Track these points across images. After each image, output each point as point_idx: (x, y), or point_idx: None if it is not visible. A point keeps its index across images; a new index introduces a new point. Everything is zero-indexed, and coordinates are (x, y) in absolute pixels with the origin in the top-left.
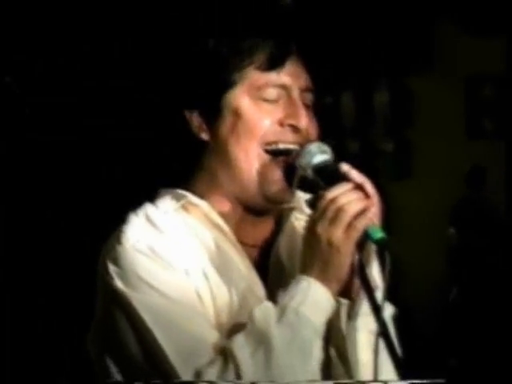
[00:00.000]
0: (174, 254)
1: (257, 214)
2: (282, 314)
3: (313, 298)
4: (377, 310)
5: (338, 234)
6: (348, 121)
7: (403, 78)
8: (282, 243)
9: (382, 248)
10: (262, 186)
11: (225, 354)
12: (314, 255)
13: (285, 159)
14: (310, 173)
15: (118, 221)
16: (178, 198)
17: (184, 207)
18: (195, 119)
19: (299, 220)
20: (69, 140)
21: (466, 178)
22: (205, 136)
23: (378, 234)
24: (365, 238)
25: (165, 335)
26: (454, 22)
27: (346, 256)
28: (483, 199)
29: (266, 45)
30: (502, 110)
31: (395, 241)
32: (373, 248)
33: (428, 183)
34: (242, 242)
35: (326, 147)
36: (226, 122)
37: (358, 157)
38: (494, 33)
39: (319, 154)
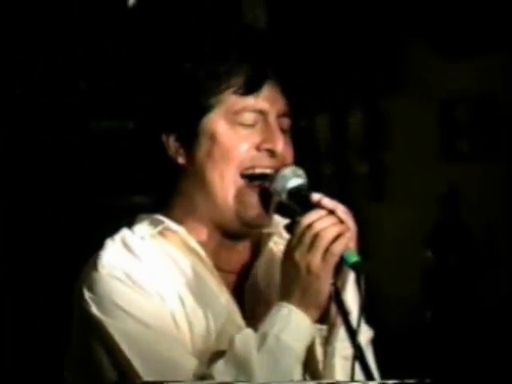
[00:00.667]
0: (150, 280)
1: (234, 238)
2: (262, 341)
3: (293, 325)
4: (352, 334)
5: (316, 260)
6: (323, 144)
7: (377, 101)
8: (260, 268)
9: (358, 272)
10: (238, 211)
11: (204, 381)
12: (293, 282)
13: (261, 184)
14: (284, 197)
15: (95, 243)
16: (155, 224)
17: (161, 233)
18: (172, 143)
19: (278, 244)
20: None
21: (440, 200)
22: (181, 160)
23: (354, 258)
24: (340, 263)
25: (142, 362)
26: (427, 44)
27: (325, 282)
28: (458, 222)
29: (242, 69)
30: (475, 132)
31: (371, 264)
32: (348, 273)
33: (403, 206)
34: (219, 268)
35: (300, 171)
36: (203, 146)
37: (333, 180)
38: (467, 55)
39: (294, 178)
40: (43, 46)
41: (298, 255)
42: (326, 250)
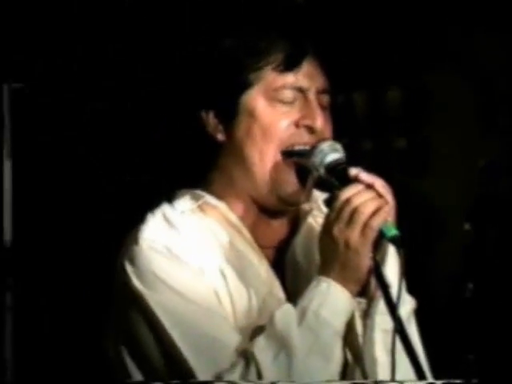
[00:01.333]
0: (192, 254)
1: (272, 215)
2: (302, 316)
3: (332, 301)
4: (392, 307)
5: (354, 235)
6: (361, 119)
7: (416, 77)
8: (299, 243)
9: (397, 245)
10: (275, 188)
11: (246, 358)
12: (332, 257)
13: (298, 160)
14: (322, 172)
15: (136, 219)
16: (195, 199)
17: (201, 208)
18: (211, 120)
19: (317, 218)
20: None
21: (480, 174)
22: (221, 137)
23: (392, 232)
24: (379, 237)
25: (183, 338)
26: (467, 20)
27: (364, 257)
28: (499, 195)
29: (282, 45)
30: None
31: (409, 238)
32: (387, 246)
33: (443, 180)
34: (258, 243)
35: (338, 146)
36: (242, 123)
37: (372, 155)
38: (507, 28)
39: (332, 153)
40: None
41: (336, 230)
42: (365, 225)
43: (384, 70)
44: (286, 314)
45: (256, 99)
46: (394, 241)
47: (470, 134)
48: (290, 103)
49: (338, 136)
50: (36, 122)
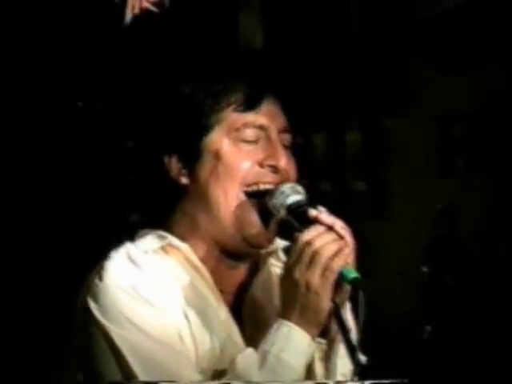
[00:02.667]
0: (156, 294)
1: (234, 258)
2: (263, 360)
3: (294, 344)
4: (352, 351)
5: (315, 277)
6: (320, 161)
7: (375, 118)
8: (257, 288)
9: (357, 288)
10: (240, 228)
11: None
12: (292, 300)
13: (260, 201)
14: (283, 213)
15: (98, 256)
16: (159, 239)
17: (164, 249)
18: (174, 165)
19: (275, 267)
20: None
21: (437, 217)
22: (185, 180)
23: (352, 275)
24: (339, 279)
25: (147, 374)
26: (426, 61)
27: (325, 299)
28: (455, 238)
29: (241, 86)
30: (472, 149)
31: (369, 280)
32: (347, 289)
33: (401, 222)
34: (219, 287)
35: (299, 187)
36: (206, 165)
37: (331, 197)
38: (465, 72)
39: (293, 195)
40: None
41: (297, 272)
42: (325, 267)
43: (343, 112)
44: (247, 357)
45: (219, 140)
46: (353, 284)
47: (428, 176)
48: (254, 142)
49: (297, 177)
50: None
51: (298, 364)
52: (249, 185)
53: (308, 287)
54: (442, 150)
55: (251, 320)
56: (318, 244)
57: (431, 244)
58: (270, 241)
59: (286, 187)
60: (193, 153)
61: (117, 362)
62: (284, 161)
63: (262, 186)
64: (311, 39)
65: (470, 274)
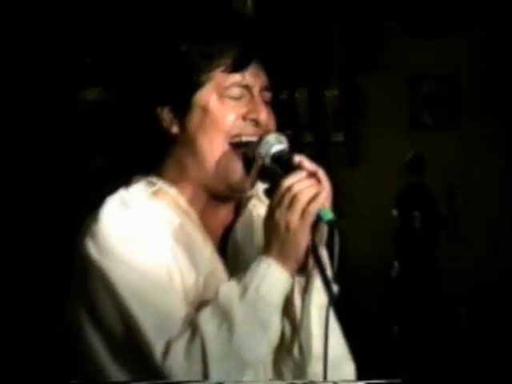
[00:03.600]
0: (146, 234)
1: (219, 201)
2: (244, 292)
3: (272, 277)
4: (327, 285)
5: (294, 219)
6: (303, 115)
7: (353, 76)
8: (239, 228)
9: (332, 227)
10: (224, 175)
11: (192, 327)
12: (273, 239)
13: (245, 151)
14: (268, 161)
15: (96, 203)
16: (150, 185)
17: (155, 193)
18: (166, 115)
19: (256, 207)
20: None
21: (407, 166)
22: (175, 130)
23: (329, 216)
24: (317, 220)
25: (139, 307)
26: (398, 26)
27: (303, 238)
28: (423, 186)
29: (231, 50)
30: (439, 105)
31: (345, 222)
32: (324, 229)
33: (375, 170)
34: (206, 226)
35: (282, 137)
36: (195, 117)
37: (312, 147)
38: (433, 35)
39: (277, 144)
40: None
41: (277, 214)
42: (303, 210)
43: (323, 70)
44: (229, 288)
45: (208, 96)
46: (330, 224)
47: (400, 128)
48: (238, 99)
49: (281, 129)
50: None
51: (275, 297)
52: (232, 136)
53: (287, 227)
54: (413, 105)
55: (234, 257)
56: (297, 188)
57: (402, 191)
58: (252, 186)
59: (271, 137)
60: (184, 106)
61: (112, 298)
62: (264, 115)
63: (245, 138)
64: (295, 7)
65: (435, 219)
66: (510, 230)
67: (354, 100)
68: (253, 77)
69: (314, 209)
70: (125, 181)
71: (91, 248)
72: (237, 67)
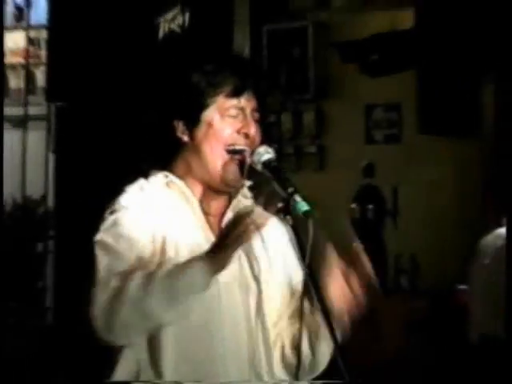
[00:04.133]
0: (153, 208)
1: (215, 192)
2: (174, 272)
3: (195, 275)
4: (303, 258)
5: (235, 246)
6: (286, 132)
7: (322, 104)
8: (229, 215)
9: (307, 217)
10: (222, 175)
11: (151, 272)
12: (217, 240)
13: (239, 157)
14: (259, 167)
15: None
16: (164, 177)
17: (167, 184)
18: (180, 127)
19: (241, 201)
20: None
21: (362, 171)
22: (186, 138)
23: (305, 208)
24: (296, 211)
25: (108, 264)
26: (360, 67)
27: (233, 252)
28: (374, 187)
29: (231, 81)
30: (387, 126)
31: (316, 214)
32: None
33: (338, 174)
34: (204, 212)
35: (270, 149)
36: (202, 130)
37: (292, 156)
38: (384, 73)
39: (266, 154)
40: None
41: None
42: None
43: (300, 99)
44: (173, 265)
45: (212, 114)
46: (305, 214)
47: (357, 143)
48: (234, 117)
49: (269, 143)
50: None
51: (190, 288)
52: (228, 145)
53: (228, 248)
54: (368, 126)
55: None
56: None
57: (358, 190)
58: (242, 184)
59: (261, 149)
60: (194, 121)
61: (94, 265)
62: (253, 130)
63: (237, 147)
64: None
65: (383, 211)
66: (438, 216)
67: (324, 122)
68: (246, 101)
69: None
70: (145, 173)
71: (99, 233)
72: (234, 94)
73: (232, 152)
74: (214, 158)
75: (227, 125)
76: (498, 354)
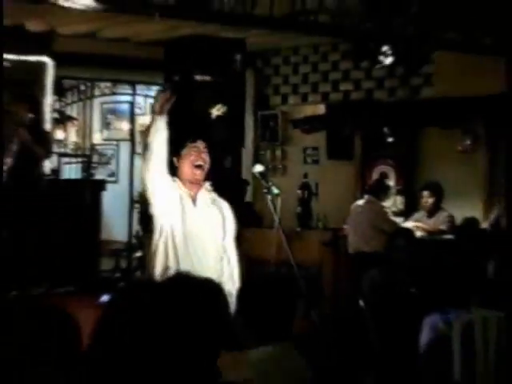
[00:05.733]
0: (174, 186)
1: (192, 184)
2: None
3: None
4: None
5: None
6: (267, 159)
7: (284, 146)
8: (200, 195)
9: (277, 196)
10: (192, 177)
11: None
12: None
13: (199, 168)
14: (256, 174)
15: None
16: (173, 179)
17: (175, 181)
18: (176, 159)
19: (204, 193)
20: None
21: (303, 176)
22: (177, 163)
23: (276, 192)
24: (271, 193)
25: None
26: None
27: None
28: (307, 183)
29: (193, 140)
30: (313, 156)
31: (280, 195)
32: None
33: (292, 178)
34: (190, 193)
35: (261, 166)
36: (181, 160)
37: (270, 170)
38: (312, 131)
39: (259, 167)
40: None
41: None
42: None
43: (275, 143)
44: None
45: (185, 154)
46: (276, 195)
47: (300, 164)
48: (194, 153)
49: (261, 163)
50: None
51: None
52: (193, 163)
53: None
54: (304, 158)
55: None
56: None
57: (300, 185)
58: (203, 181)
59: (257, 165)
60: (179, 156)
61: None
62: (204, 161)
63: (197, 163)
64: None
65: (310, 193)
66: (338, 196)
67: (286, 155)
68: (200, 144)
69: None
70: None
71: None
72: (193, 142)
73: (196, 166)
74: (187, 171)
75: (189, 157)
76: (364, 260)
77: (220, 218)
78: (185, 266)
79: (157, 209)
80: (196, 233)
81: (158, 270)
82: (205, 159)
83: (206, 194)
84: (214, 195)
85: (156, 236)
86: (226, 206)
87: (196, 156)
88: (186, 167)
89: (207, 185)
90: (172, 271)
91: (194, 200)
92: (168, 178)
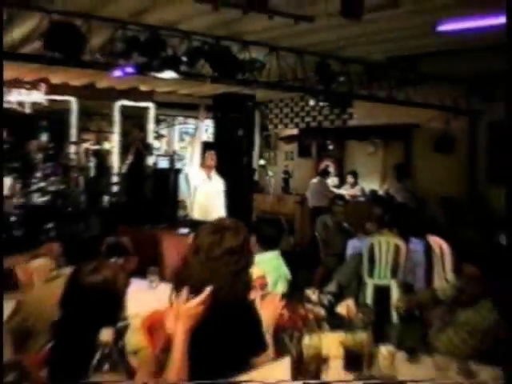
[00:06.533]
0: (197, 174)
1: (209, 168)
2: None
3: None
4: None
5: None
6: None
7: (271, 151)
8: (212, 173)
9: (272, 177)
10: (209, 165)
11: None
12: None
13: (211, 160)
14: (261, 166)
15: None
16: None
17: (201, 166)
18: (203, 156)
19: (213, 173)
20: None
21: (283, 172)
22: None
23: (271, 174)
24: (267, 175)
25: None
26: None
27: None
28: (287, 171)
29: (210, 150)
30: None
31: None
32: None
33: (277, 169)
34: (207, 174)
35: (263, 160)
36: (205, 157)
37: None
38: (292, 142)
39: (262, 161)
40: None
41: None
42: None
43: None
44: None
45: (206, 155)
46: (270, 177)
47: (271, 164)
48: (210, 155)
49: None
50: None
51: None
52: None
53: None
54: (287, 154)
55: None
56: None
57: (284, 171)
58: (213, 168)
59: (261, 162)
60: (204, 156)
61: None
62: (213, 159)
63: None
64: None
65: (289, 176)
66: (305, 182)
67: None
68: (212, 152)
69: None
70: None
71: None
72: (209, 151)
73: (210, 160)
74: (206, 162)
75: (209, 156)
76: (317, 211)
77: (220, 184)
78: (205, 205)
79: (194, 181)
80: (210, 192)
81: (195, 208)
82: (213, 158)
83: (214, 173)
84: (217, 175)
85: (192, 193)
86: (221, 180)
87: (210, 156)
88: (207, 161)
89: (214, 170)
90: (201, 208)
91: (209, 177)
92: (197, 167)
